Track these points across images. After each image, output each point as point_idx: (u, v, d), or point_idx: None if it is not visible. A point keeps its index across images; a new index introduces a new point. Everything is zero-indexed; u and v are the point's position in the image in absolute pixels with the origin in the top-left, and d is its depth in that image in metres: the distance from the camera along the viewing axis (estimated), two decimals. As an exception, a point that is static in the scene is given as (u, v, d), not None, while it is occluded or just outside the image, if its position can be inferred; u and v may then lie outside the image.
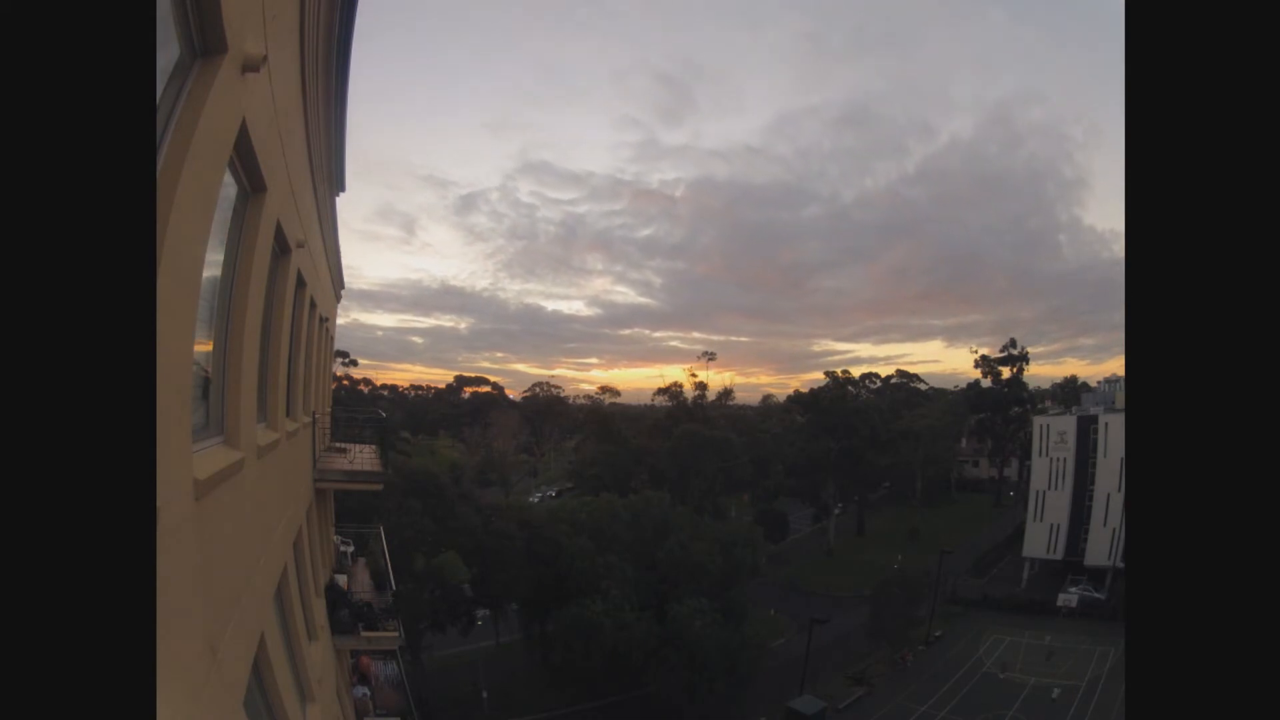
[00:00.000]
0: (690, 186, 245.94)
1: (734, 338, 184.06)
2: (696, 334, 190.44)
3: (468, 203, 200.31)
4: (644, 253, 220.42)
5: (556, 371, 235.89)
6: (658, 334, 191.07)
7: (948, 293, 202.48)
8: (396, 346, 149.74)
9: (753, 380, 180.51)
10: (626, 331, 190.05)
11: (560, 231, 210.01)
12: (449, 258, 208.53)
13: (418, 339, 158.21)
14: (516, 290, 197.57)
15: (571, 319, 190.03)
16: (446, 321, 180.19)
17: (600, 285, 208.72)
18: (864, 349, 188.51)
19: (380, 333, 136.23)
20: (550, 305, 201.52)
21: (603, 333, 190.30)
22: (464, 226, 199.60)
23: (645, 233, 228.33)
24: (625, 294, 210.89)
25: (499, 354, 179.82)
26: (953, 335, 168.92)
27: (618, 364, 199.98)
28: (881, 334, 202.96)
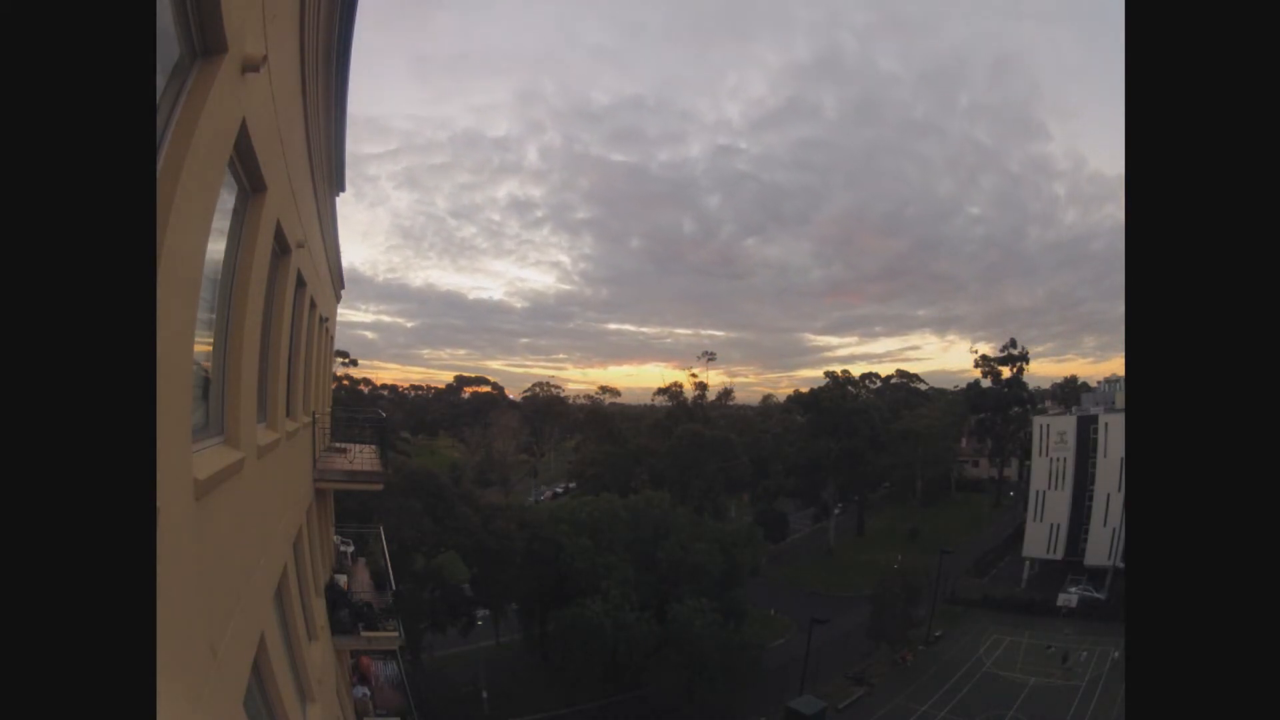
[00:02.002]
0: (511, 116, 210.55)
1: (705, 332, 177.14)
2: (659, 328, 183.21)
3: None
4: (522, 223, 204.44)
5: (535, 369, 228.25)
6: (612, 326, 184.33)
7: (920, 270, 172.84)
8: (352, 342, 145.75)
9: (740, 380, 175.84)
10: (571, 325, 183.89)
11: (410, 201, 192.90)
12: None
13: (369, 334, 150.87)
14: (423, 278, 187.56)
15: (502, 309, 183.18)
16: (384, 316, 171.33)
17: (505, 269, 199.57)
18: (853, 344, 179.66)
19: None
20: (471, 295, 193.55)
21: (546, 325, 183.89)
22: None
23: (501, 193, 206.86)
24: (542, 280, 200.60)
25: (461, 351, 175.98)
26: (942, 327, 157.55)
27: (591, 361, 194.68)
28: (863, 327, 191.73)
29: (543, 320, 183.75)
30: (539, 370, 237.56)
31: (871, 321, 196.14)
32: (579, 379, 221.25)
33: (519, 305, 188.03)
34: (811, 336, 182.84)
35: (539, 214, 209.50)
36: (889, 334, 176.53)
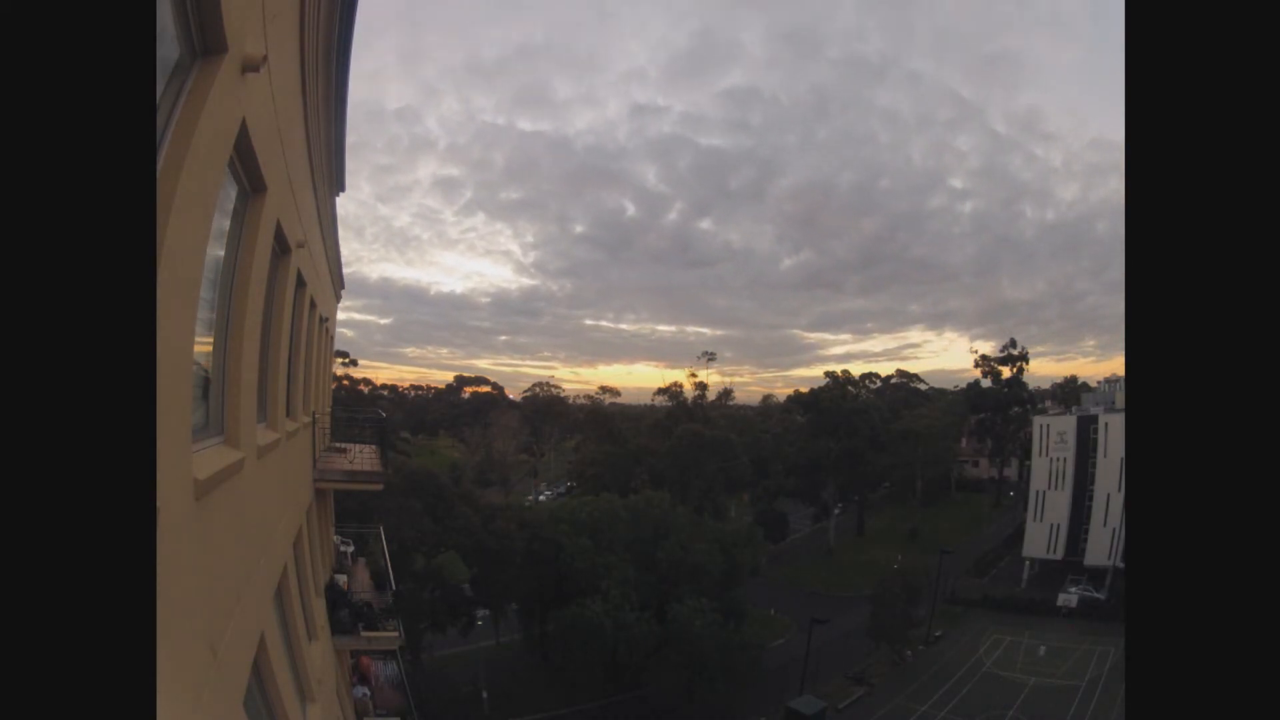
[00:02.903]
0: (401, 81, 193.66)
1: (690, 329, 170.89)
2: (637, 324, 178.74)
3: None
4: (454, 208, 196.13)
5: (524, 369, 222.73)
6: (588, 322, 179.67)
7: (902, 257, 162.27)
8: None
9: (735, 379, 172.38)
10: (543, 322, 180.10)
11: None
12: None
13: (347, 332, 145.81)
14: (378, 272, 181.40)
15: (468, 305, 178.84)
16: (355, 314, 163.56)
17: (458, 262, 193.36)
18: (847, 342, 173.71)
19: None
20: (433, 290, 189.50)
21: (519, 322, 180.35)
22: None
23: (422, 174, 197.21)
24: (498, 272, 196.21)
25: (443, 350, 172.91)
26: (936, 322, 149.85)
27: (578, 360, 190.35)
28: (854, 323, 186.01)
29: (513, 317, 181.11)
30: (528, 369, 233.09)
31: (861, 318, 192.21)
32: (571, 378, 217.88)
33: (484, 300, 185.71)
34: (802, 334, 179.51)
35: (467, 195, 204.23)
36: (882, 330, 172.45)
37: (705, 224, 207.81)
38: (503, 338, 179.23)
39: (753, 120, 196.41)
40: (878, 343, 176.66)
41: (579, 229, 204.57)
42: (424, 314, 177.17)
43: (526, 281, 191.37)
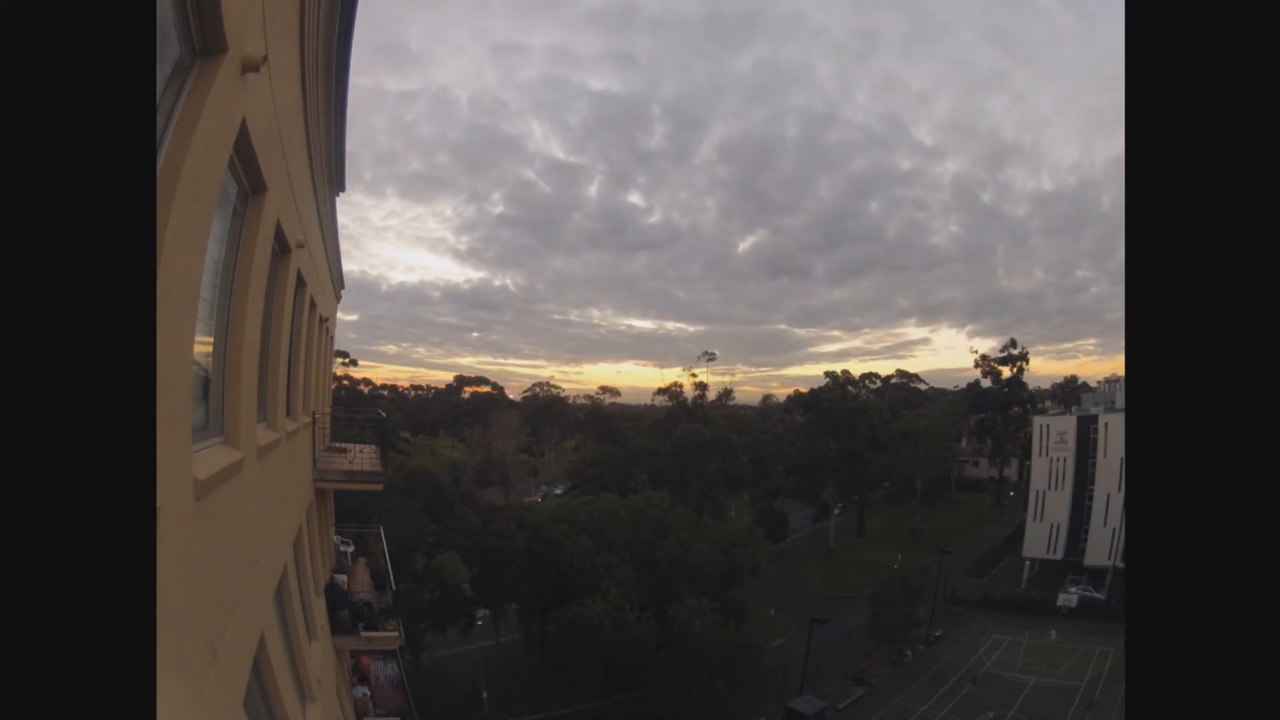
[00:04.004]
0: None
1: (671, 324, 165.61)
2: (611, 320, 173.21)
3: None
4: (352, 184, 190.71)
5: (510, 368, 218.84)
6: (556, 317, 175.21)
7: (876, 237, 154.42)
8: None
9: (728, 378, 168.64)
10: (508, 317, 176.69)
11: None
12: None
13: None
14: None
15: (423, 298, 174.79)
16: None
17: (398, 254, 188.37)
18: (840, 340, 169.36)
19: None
20: (383, 286, 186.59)
21: (483, 317, 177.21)
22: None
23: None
24: (440, 263, 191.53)
25: (420, 349, 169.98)
26: (928, 316, 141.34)
27: (560, 358, 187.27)
28: (840, 318, 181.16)
29: (475, 311, 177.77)
30: (513, 368, 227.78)
31: (846, 312, 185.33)
32: (561, 377, 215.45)
33: (436, 294, 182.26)
34: (790, 329, 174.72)
35: (366, 175, 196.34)
36: (871, 326, 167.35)
37: (634, 198, 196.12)
38: (474, 334, 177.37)
39: (638, 49, 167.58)
40: (871, 339, 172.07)
41: (498, 210, 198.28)
42: (385, 309, 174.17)
43: (473, 274, 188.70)
